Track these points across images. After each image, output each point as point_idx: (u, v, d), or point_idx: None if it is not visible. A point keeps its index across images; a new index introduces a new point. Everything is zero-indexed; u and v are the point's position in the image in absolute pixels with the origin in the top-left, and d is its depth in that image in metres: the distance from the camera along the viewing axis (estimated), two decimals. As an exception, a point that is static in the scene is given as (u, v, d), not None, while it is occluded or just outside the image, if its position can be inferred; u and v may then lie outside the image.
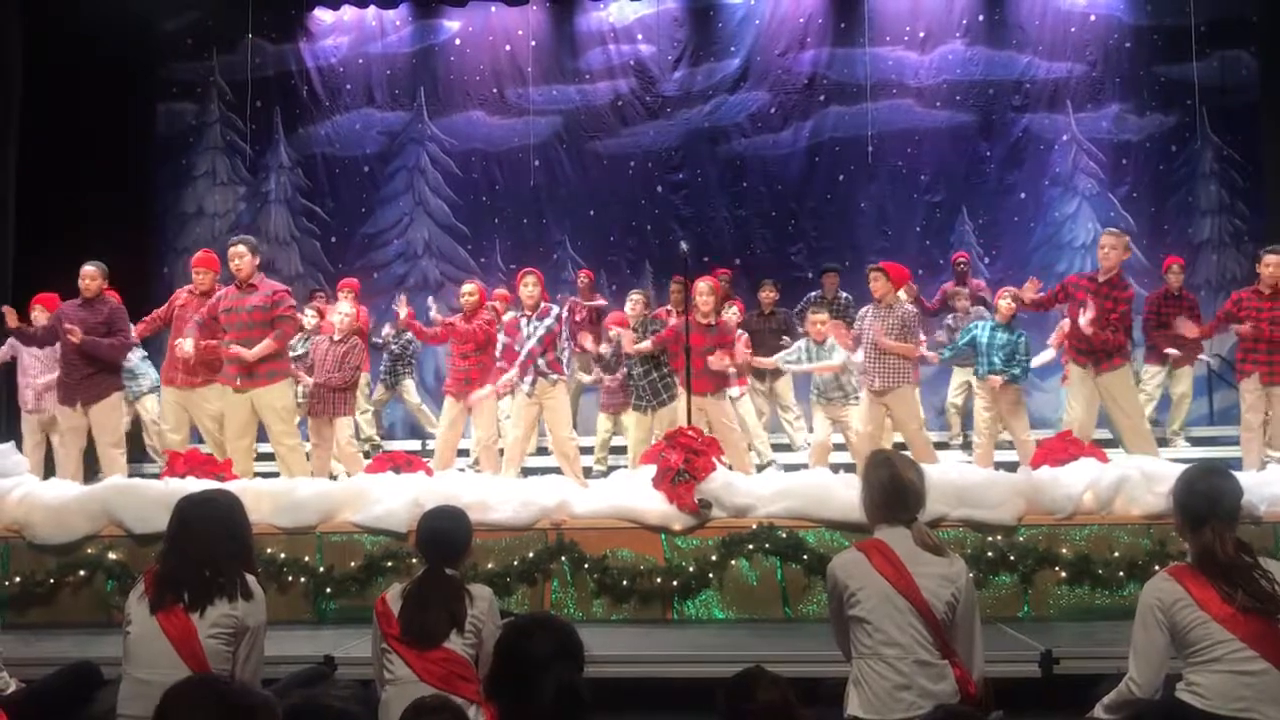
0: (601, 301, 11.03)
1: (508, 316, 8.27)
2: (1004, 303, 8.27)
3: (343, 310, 8.33)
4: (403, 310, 8.58)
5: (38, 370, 8.51)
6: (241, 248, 7.40)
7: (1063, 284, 7.70)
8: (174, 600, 3.39)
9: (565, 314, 8.60)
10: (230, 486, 5.63)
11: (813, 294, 10.65)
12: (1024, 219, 12.18)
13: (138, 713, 3.23)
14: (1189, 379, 9.92)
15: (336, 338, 8.19)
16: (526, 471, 8.57)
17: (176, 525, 3.55)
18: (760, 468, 8.81)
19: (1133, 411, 7.44)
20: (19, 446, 8.06)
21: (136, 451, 9.48)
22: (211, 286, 7.80)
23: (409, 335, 10.31)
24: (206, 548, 3.46)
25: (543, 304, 7.87)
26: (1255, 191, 11.68)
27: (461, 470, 7.87)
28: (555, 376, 7.80)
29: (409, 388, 10.91)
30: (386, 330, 10.83)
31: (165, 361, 7.97)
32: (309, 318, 9.40)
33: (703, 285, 7.92)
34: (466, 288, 8.27)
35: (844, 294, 10.50)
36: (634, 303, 8.60)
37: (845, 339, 8.39)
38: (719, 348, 7.76)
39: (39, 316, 8.47)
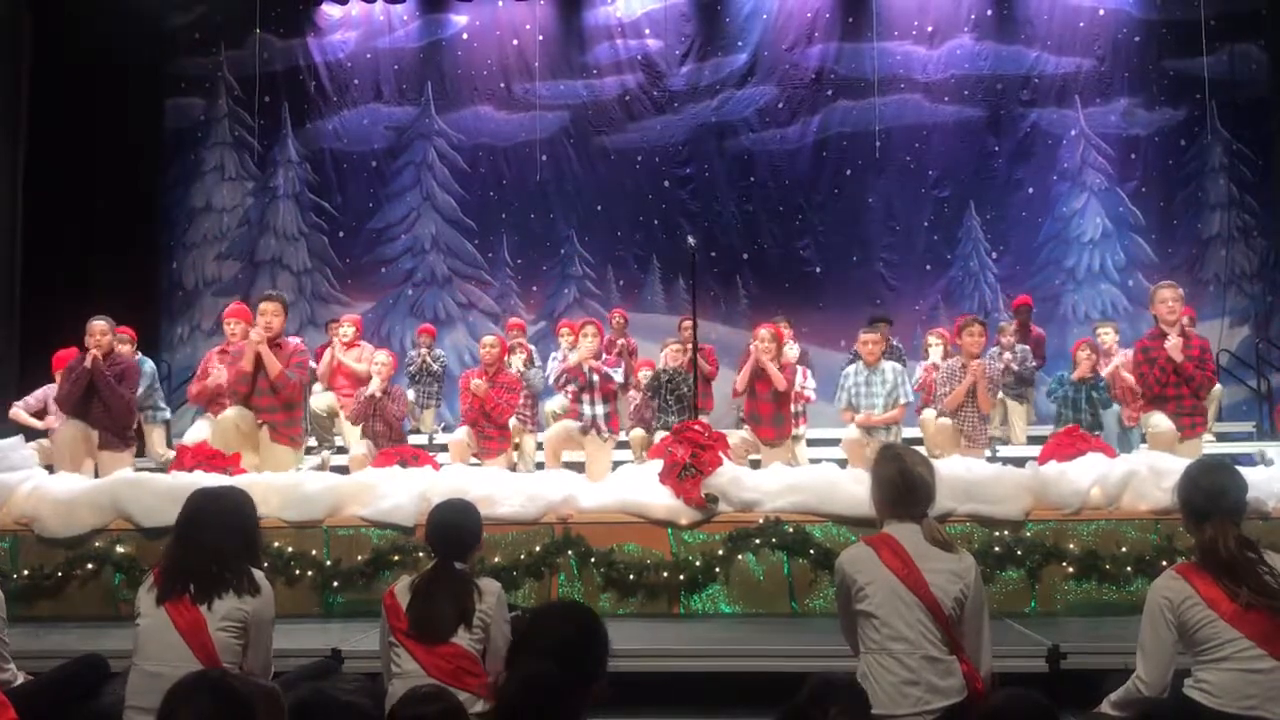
0: (633, 344, 10.51)
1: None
2: (1082, 354, 8.01)
3: (380, 360, 8.18)
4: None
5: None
6: (276, 305, 7.28)
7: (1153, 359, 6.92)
8: (180, 592, 3.40)
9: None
10: (239, 481, 5.65)
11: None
12: (1032, 214, 12.18)
13: (146, 705, 3.23)
14: None
15: (378, 393, 8.00)
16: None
17: (184, 519, 3.57)
18: None
19: None
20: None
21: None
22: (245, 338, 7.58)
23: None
24: (213, 541, 3.47)
25: (605, 355, 7.92)
26: (1264, 186, 11.68)
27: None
28: (608, 434, 7.86)
29: (427, 419, 10.41)
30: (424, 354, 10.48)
31: (199, 389, 8.22)
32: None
33: (764, 333, 7.83)
34: (487, 339, 8.21)
35: (895, 342, 9.55)
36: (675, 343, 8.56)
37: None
38: (784, 393, 7.69)
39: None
